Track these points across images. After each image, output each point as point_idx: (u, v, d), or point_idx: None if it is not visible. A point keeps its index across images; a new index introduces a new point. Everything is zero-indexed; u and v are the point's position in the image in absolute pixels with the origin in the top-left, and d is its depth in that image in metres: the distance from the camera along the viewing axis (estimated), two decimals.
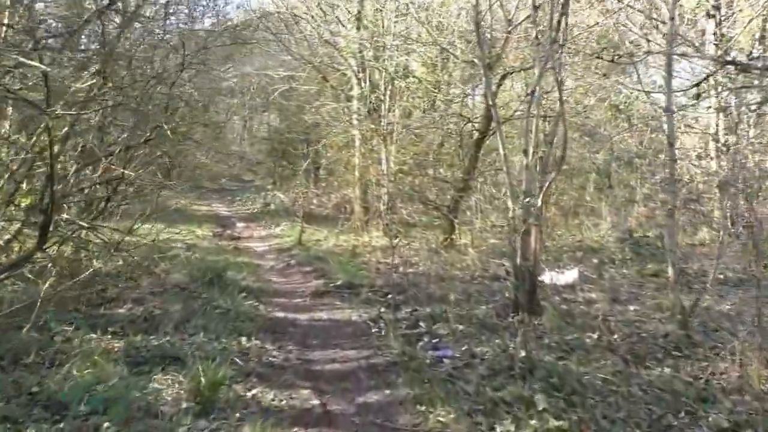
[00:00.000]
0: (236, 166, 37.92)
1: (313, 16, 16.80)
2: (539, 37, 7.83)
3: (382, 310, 7.66)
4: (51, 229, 5.88)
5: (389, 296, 8.41)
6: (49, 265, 7.91)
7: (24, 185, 5.65)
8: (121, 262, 9.22)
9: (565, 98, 8.59)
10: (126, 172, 6.88)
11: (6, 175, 5.97)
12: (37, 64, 4.83)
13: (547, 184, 7.54)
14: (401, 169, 15.35)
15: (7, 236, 6.76)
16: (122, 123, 9.14)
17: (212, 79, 30.56)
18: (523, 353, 5.53)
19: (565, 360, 5.70)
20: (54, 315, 6.51)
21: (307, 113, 17.74)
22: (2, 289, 6.82)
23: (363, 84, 15.46)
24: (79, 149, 6.88)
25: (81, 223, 6.64)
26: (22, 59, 4.71)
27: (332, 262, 10.40)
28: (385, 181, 14.96)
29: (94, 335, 6.04)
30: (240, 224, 16.03)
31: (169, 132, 8.55)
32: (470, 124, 13.39)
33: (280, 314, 7.52)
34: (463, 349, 5.99)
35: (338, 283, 8.97)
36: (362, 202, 15.85)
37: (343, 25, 16.17)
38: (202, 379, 4.72)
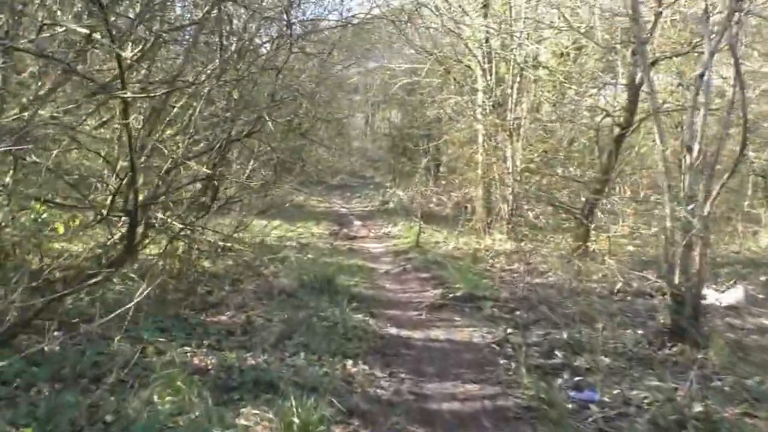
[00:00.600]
0: (358, 162, 37.89)
1: (437, 6, 15.85)
2: (708, 9, 6.41)
3: (509, 331, 6.54)
4: (143, 230, 5.30)
5: (517, 313, 7.29)
6: (158, 262, 7.51)
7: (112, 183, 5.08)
8: (230, 263, 8.72)
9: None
10: (220, 170, 6.18)
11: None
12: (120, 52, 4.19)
13: (718, 187, 6.11)
14: (528, 168, 14.06)
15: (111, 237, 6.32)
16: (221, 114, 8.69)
17: (336, 75, 30.56)
18: (699, 407, 4.25)
19: (754, 417, 4.36)
20: (152, 322, 6.00)
21: (428, 107, 16.80)
22: (104, 292, 6.38)
23: (488, 76, 14.29)
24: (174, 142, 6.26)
25: (175, 223, 6.02)
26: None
27: (451, 268, 9.40)
28: (511, 180, 13.75)
29: (188, 348, 5.42)
30: (357, 222, 15.38)
31: (271, 124, 7.90)
32: (609, 118, 11.86)
33: (393, 330, 6.63)
34: (615, 392, 4.78)
35: (458, 293, 7.95)
36: (485, 202, 14.68)
37: (467, 14, 15.06)
38: (296, 419, 3.89)
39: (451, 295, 7.89)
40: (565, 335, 6.25)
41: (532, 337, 6.33)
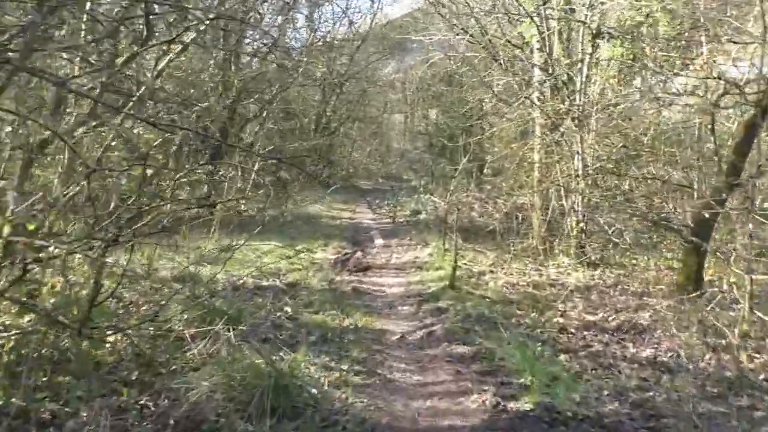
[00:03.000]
0: (395, 163, 34.20)
1: None
2: None
3: None
4: None
5: None
6: None
7: None
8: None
9: None
10: None
11: None
12: None
13: None
14: (603, 167, 10.12)
15: None
16: None
17: (366, 69, 26.91)
18: None
19: None
20: None
21: (469, 92, 12.95)
22: None
23: (548, 48, 10.39)
24: None
25: None
26: None
27: (507, 336, 5.58)
28: (580, 183, 9.84)
29: None
30: (378, 241, 11.66)
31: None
32: (733, 95, 7.79)
33: None
34: None
35: (527, 409, 4.10)
36: (543, 212, 10.79)
37: None
38: None
39: (514, 416, 4.03)
40: None
41: None
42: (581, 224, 9.86)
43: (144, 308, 6.21)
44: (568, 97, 10.26)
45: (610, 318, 6.79)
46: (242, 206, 14.26)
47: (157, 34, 6.05)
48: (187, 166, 13.47)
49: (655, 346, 5.87)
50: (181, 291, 6.80)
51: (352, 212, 16.89)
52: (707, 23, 8.33)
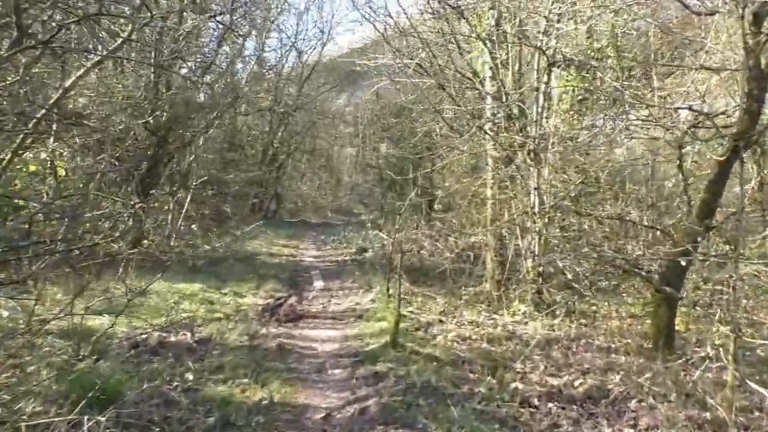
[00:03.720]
0: (346, 197, 33.18)
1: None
2: None
3: None
4: None
5: None
6: None
7: None
8: None
9: None
10: None
11: None
12: None
13: None
14: (560, 204, 9.23)
15: None
16: None
17: (317, 100, 25.90)
18: None
19: None
20: None
21: (418, 122, 12.01)
22: None
23: (500, 76, 9.54)
24: None
25: None
26: None
27: (456, 414, 4.46)
28: (537, 222, 8.92)
29: None
30: (318, 283, 10.44)
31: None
32: (706, 128, 7.00)
33: None
34: None
35: None
36: (497, 253, 9.83)
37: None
38: None
39: None
40: None
41: None
42: (538, 267, 8.91)
43: (3, 375, 4.88)
44: (523, 129, 9.39)
45: (577, 382, 5.75)
46: (171, 242, 12.92)
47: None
48: (108, 199, 12.10)
49: (633, 421, 4.84)
50: (58, 352, 5.50)
51: (295, 249, 15.64)
52: (682, 48, 7.59)
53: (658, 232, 7.65)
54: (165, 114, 11.85)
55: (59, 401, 4.19)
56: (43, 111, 7.26)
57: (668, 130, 7.48)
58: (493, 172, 9.96)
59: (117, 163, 12.37)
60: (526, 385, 5.58)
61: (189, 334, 6.42)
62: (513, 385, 5.53)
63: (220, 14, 12.31)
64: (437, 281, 10.34)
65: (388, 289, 8.42)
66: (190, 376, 5.01)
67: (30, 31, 5.08)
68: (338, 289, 9.91)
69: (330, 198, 32.03)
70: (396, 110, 20.55)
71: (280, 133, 24.57)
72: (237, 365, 5.43)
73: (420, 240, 13.19)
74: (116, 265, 9.72)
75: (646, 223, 7.92)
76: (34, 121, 7.83)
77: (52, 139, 10.85)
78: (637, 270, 7.03)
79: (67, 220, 9.58)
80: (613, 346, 6.98)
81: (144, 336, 6.26)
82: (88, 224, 10.68)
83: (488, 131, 9.93)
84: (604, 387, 5.60)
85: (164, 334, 6.44)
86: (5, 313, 6.34)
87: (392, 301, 8.31)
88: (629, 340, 7.17)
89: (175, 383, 4.90)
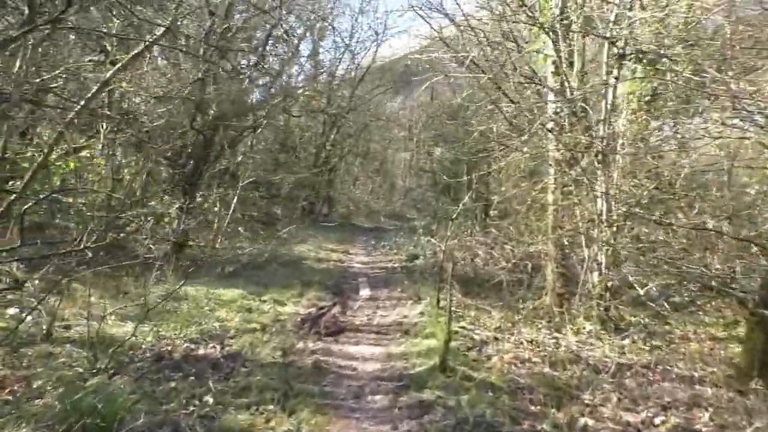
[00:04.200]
0: (399, 202, 32.50)
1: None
2: None
3: None
4: None
5: None
6: None
7: None
8: None
9: None
10: None
11: None
12: None
13: None
14: (631, 212, 8.28)
15: None
16: None
17: (370, 102, 25.34)
18: None
19: None
20: None
21: (475, 122, 11.22)
22: None
23: (563, 67, 8.66)
24: None
25: None
26: None
27: None
28: (604, 230, 8.02)
29: None
30: (365, 291, 9.78)
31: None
32: None
33: None
34: None
35: None
36: (558, 264, 8.93)
37: None
38: None
39: None
40: None
41: None
42: (606, 281, 7.98)
43: (8, 390, 4.41)
44: (589, 129, 8.48)
45: (658, 419, 4.88)
46: (216, 245, 12.50)
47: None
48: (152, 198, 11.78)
49: None
50: (74, 363, 5.00)
51: (344, 254, 15.03)
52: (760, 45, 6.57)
53: (754, 247, 6.62)
54: (212, 112, 11.45)
55: (55, 427, 3.63)
56: (81, 104, 6.86)
57: (763, 128, 6.49)
58: (556, 175, 9.08)
59: (164, 162, 12.06)
60: (597, 421, 4.74)
61: (218, 347, 5.84)
62: (582, 420, 4.70)
63: (270, 10, 11.85)
64: (492, 293, 9.52)
65: (438, 302, 7.66)
66: (209, 400, 4.40)
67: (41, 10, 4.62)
68: (385, 299, 9.21)
69: (383, 202, 31.40)
70: (451, 111, 19.79)
71: (332, 135, 24.12)
72: (265, 387, 4.79)
73: (474, 248, 12.37)
74: (159, 267, 9.33)
75: (733, 235, 6.88)
76: (71, 115, 7.44)
77: (102, 137, 10.63)
78: (729, 289, 6.06)
79: (106, 219, 9.26)
80: (696, 375, 6.03)
81: (169, 347, 5.71)
82: (130, 225, 10.38)
83: (551, 131, 9.06)
84: (692, 427, 4.71)
85: (192, 346, 5.88)
86: (28, 318, 5.91)
87: (442, 315, 7.55)
88: (714, 368, 6.21)
89: (192, 408, 4.30)
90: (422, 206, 26.88)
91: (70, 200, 9.60)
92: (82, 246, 6.06)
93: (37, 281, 6.68)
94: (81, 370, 4.89)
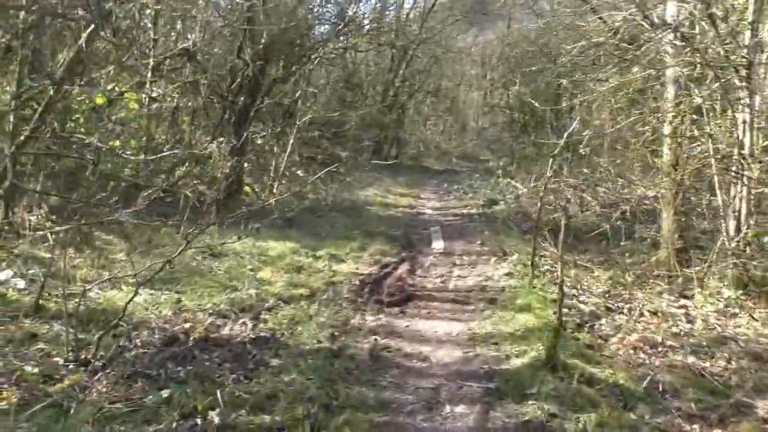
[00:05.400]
0: (472, 143, 30.44)
1: None
2: None
3: None
4: None
5: None
6: None
7: None
8: None
9: None
10: None
11: None
12: None
13: None
14: None
15: None
16: None
17: (443, 36, 23.13)
18: None
19: None
20: None
21: (565, 40, 9.21)
22: None
23: None
24: None
25: None
26: None
27: None
28: (750, 167, 6.06)
29: None
30: (437, 244, 8.21)
31: None
32: None
33: None
34: None
35: None
36: (678, 212, 7.01)
37: None
38: None
39: None
40: None
41: None
42: (749, 235, 6.06)
43: None
44: (731, 35, 6.38)
45: None
46: (274, 189, 11.18)
47: None
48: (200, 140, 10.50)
49: None
50: (54, 352, 3.71)
51: (414, 198, 13.45)
52: None
53: None
54: (262, 42, 9.91)
55: None
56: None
57: None
58: (677, 99, 7.06)
59: (215, 100, 10.73)
60: None
61: (249, 324, 4.45)
62: None
63: None
64: (591, 246, 7.76)
65: (533, 263, 5.96)
66: (215, 419, 2.97)
67: None
68: (462, 254, 7.59)
69: (454, 143, 29.41)
70: (530, 41, 17.52)
71: (401, 71, 22.15)
72: (299, 392, 3.34)
73: (562, 192, 10.49)
74: (206, 214, 8.08)
75: None
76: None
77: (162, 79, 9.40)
78: None
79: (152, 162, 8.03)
80: None
81: (188, 324, 4.35)
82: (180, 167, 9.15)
83: (668, 47, 7.00)
84: None
85: (219, 322, 4.51)
86: (21, 284, 4.70)
87: (537, 277, 5.87)
88: None
89: (191, 427, 2.90)
90: (497, 147, 24.86)
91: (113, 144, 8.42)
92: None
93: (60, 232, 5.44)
94: (61, 361, 3.61)
